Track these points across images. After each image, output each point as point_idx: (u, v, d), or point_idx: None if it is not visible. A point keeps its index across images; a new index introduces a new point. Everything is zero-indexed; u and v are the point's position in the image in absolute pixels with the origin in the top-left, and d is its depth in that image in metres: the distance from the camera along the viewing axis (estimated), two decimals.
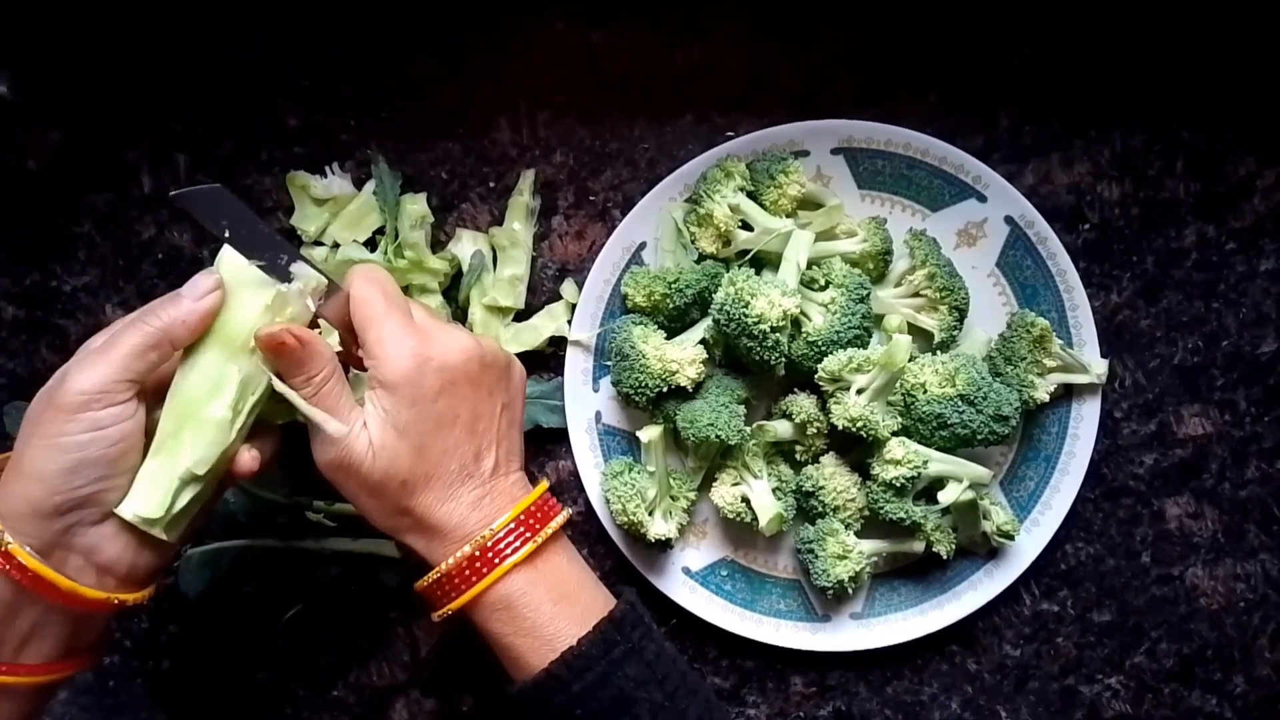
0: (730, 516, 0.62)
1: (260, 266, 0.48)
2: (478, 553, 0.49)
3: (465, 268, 0.65)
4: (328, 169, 0.65)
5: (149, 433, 0.48)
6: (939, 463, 0.60)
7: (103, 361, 0.46)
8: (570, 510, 0.54)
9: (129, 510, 0.47)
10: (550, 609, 0.50)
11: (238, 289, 0.49)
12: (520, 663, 0.50)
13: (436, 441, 0.49)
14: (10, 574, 0.45)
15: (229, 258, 0.49)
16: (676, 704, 0.50)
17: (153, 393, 0.49)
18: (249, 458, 0.50)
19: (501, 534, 0.50)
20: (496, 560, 0.49)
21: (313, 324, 0.51)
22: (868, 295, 0.61)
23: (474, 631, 0.51)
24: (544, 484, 0.53)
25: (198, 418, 0.48)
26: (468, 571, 0.49)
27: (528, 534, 0.50)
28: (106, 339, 0.48)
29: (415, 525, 0.50)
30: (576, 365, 0.65)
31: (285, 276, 0.49)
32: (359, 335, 0.50)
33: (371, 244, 0.65)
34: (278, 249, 0.49)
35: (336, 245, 0.65)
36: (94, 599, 0.47)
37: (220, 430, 0.48)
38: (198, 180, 0.66)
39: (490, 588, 0.49)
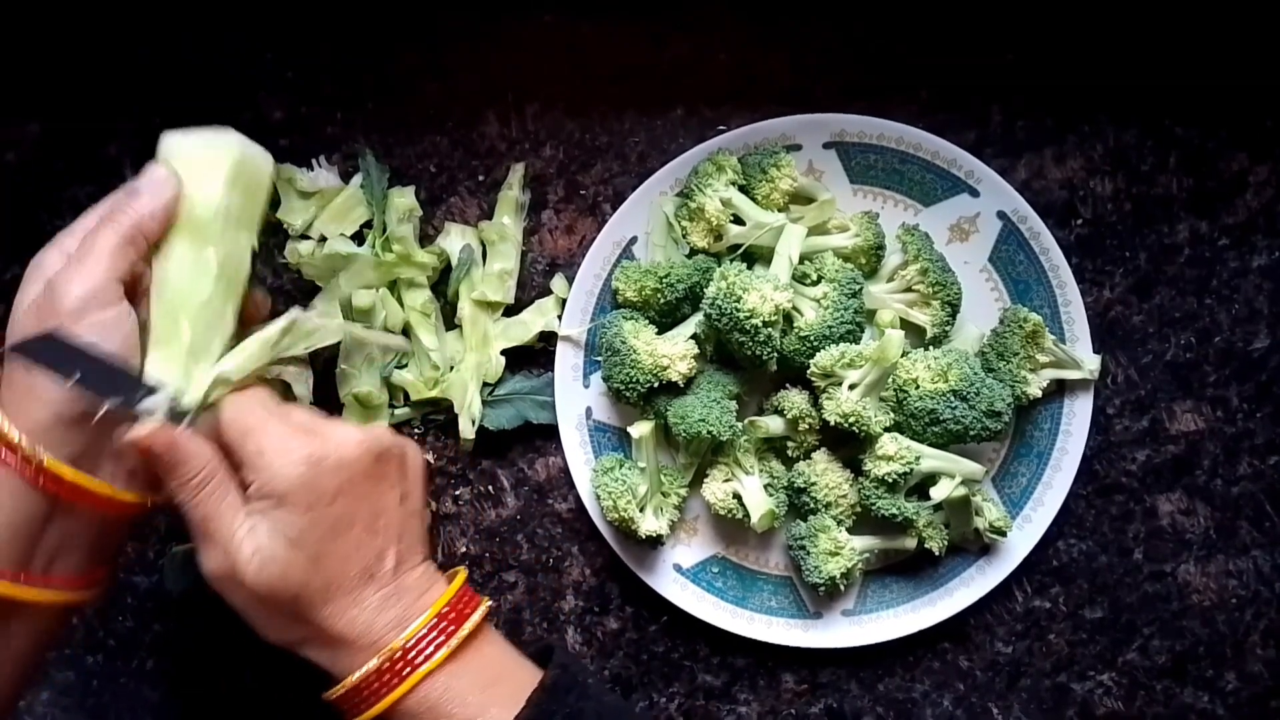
0: (722, 513, 0.62)
1: (115, 405, 0.46)
2: (387, 663, 0.46)
3: (454, 262, 0.64)
4: (314, 162, 0.65)
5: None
6: (931, 459, 0.60)
7: (92, 264, 0.46)
8: (490, 602, 0.50)
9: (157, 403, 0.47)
10: (477, 698, 0.46)
11: (189, 172, 0.48)
12: None
13: (334, 549, 0.46)
14: (46, 488, 0.45)
15: (171, 144, 0.49)
16: None
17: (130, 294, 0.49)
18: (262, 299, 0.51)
19: (414, 640, 0.46)
20: (409, 669, 0.46)
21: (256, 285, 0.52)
22: (860, 290, 0.60)
23: None
24: (461, 574, 0.50)
25: (190, 307, 0.48)
26: (376, 684, 0.46)
27: (445, 635, 0.47)
28: (81, 244, 0.47)
29: (314, 638, 0.47)
30: (567, 361, 0.64)
31: (135, 415, 0.47)
32: (236, 451, 0.47)
33: (359, 238, 0.64)
34: (132, 385, 0.47)
35: (323, 239, 0.64)
36: (129, 502, 0.47)
37: (217, 315, 0.48)
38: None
39: (407, 694, 0.46)
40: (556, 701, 0.47)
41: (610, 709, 0.49)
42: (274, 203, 0.64)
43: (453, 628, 0.47)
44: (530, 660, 0.50)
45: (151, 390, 0.47)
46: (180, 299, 0.48)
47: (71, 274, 0.46)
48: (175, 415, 0.47)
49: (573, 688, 0.48)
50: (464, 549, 0.65)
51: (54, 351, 0.45)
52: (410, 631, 0.46)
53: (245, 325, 0.52)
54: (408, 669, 0.46)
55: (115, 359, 0.46)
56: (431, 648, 0.46)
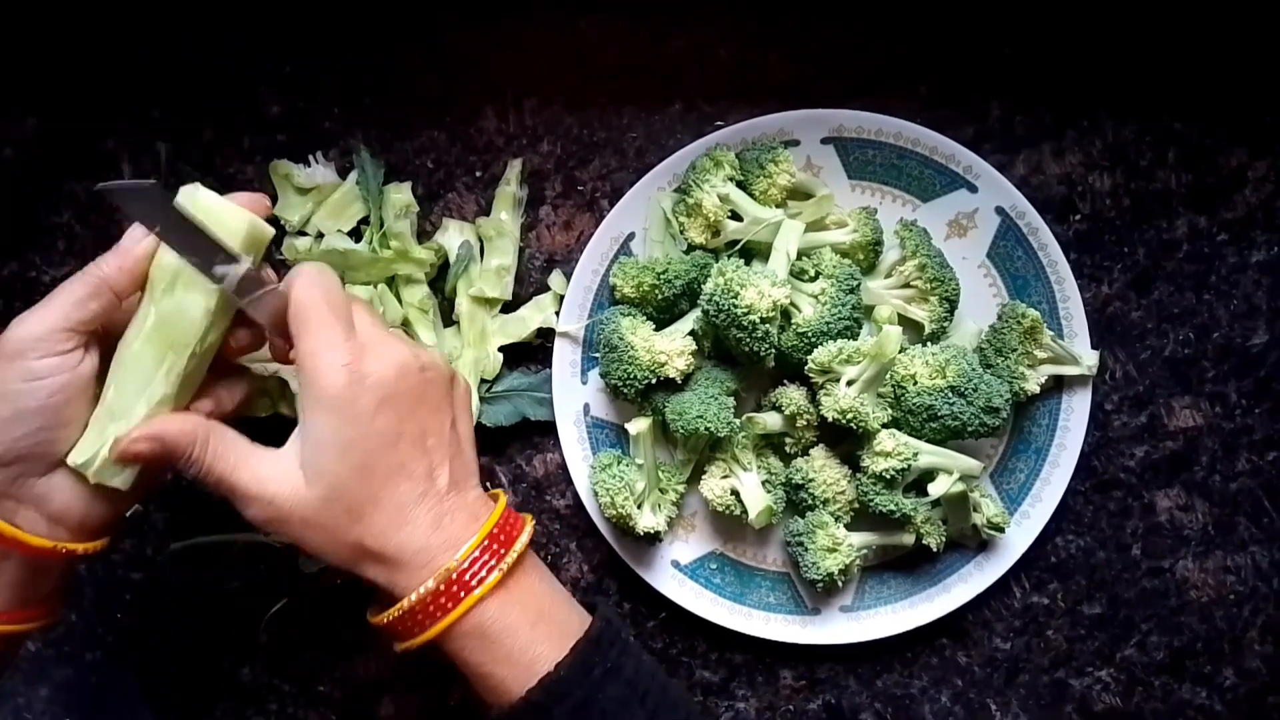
0: (719, 509, 0.61)
1: (193, 264, 0.46)
2: (443, 585, 0.46)
3: (452, 258, 0.64)
4: (311, 157, 0.64)
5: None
6: (929, 455, 0.60)
7: (42, 311, 0.46)
8: (533, 522, 0.51)
9: (72, 459, 0.47)
10: (526, 633, 0.47)
11: (178, 285, 0.47)
12: (498, 690, 0.47)
13: (382, 460, 0.46)
14: None
15: (165, 254, 0.48)
16: None
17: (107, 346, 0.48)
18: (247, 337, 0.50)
19: (468, 562, 0.47)
20: (464, 592, 0.46)
21: (246, 323, 0.49)
22: (858, 286, 0.60)
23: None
24: (503, 497, 0.51)
25: (120, 366, 0.47)
26: (432, 607, 0.46)
27: (496, 557, 0.47)
28: (51, 293, 0.47)
29: (370, 555, 0.47)
30: (565, 357, 0.64)
31: (217, 277, 0.47)
32: (295, 342, 0.47)
33: (357, 234, 0.64)
34: (211, 249, 0.46)
35: (320, 235, 0.64)
36: (39, 547, 0.46)
37: (146, 375, 0.47)
38: (178, 169, 0.65)
39: (462, 617, 0.46)
40: (599, 654, 0.48)
41: (648, 669, 0.50)
42: (271, 199, 0.64)
43: (503, 550, 0.48)
44: (572, 599, 0.51)
45: (233, 259, 0.46)
46: (117, 358, 0.48)
47: (25, 316, 0.46)
48: (244, 288, 0.47)
49: (615, 641, 0.49)
50: (503, 492, 0.65)
51: (146, 201, 0.45)
52: (464, 552, 0.47)
53: (230, 358, 0.51)
54: (462, 591, 0.46)
55: (199, 225, 0.46)
56: (484, 570, 0.47)
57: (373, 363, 0.46)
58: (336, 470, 0.46)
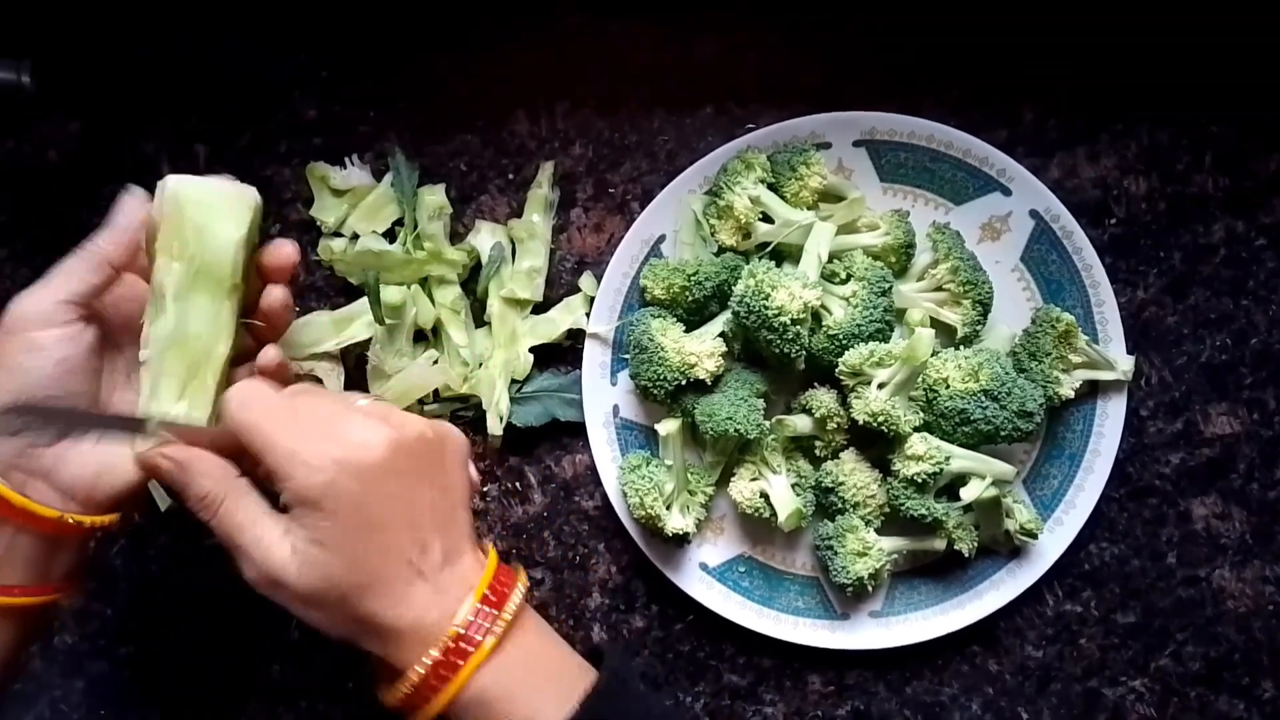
0: (749, 512, 0.61)
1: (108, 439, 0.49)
2: (440, 654, 0.45)
3: (484, 260, 0.65)
4: (346, 160, 0.65)
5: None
6: (961, 459, 0.59)
7: (43, 287, 0.48)
8: (525, 580, 0.49)
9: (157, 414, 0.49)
10: (528, 695, 0.46)
11: (206, 211, 0.49)
12: None
13: (371, 548, 0.45)
14: None
15: (181, 187, 0.49)
16: None
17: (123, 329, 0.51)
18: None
19: (462, 628, 0.45)
20: (461, 659, 0.45)
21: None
22: (890, 289, 0.60)
23: None
24: (493, 552, 0.49)
25: (195, 352, 0.50)
26: (433, 680, 0.45)
27: (490, 620, 0.46)
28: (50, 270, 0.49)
29: (368, 632, 0.46)
30: (594, 358, 0.64)
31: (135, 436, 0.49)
32: (255, 455, 0.46)
33: (390, 235, 0.65)
34: (118, 424, 0.49)
35: (355, 236, 0.65)
36: (48, 518, 0.47)
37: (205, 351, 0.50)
38: (216, 170, 0.66)
39: (463, 688, 0.45)
40: (607, 707, 0.46)
41: (658, 714, 0.49)
42: (307, 202, 0.65)
43: (498, 604, 0.46)
44: (574, 650, 0.50)
45: (139, 424, 0.49)
46: (196, 345, 0.50)
47: (26, 293, 0.47)
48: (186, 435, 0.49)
49: (622, 692, 0.48)
50: (491, 545, 0.65)
51: (28, 420, 0.47)
52: (461, 617, 0.45)
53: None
54: (460, 659, 0.45)
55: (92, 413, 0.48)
56: (479, 634, 0.45)
57: (351, 449, 0.45)
58: (327, 562, 0.44)
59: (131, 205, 0.50)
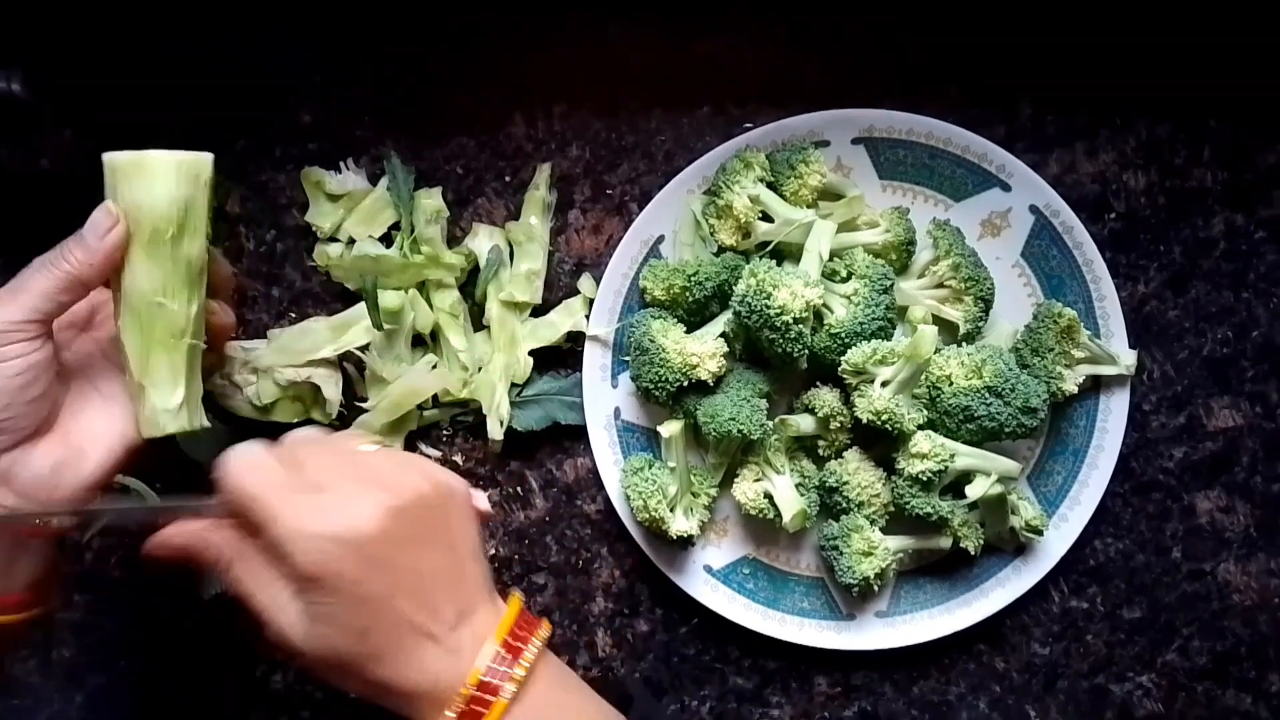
0: (752, 513, 0.61)
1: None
2: (459, 714, 0.43)
3: (482, 263, 0.64)
4: (342, 165, 0.65)
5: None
6: (966, 456, 0.59)
7: (10, 303, 0.48)
8: (547, 630, 0.47)
9: (155, 428, 0.51)
10: None
11: (142, 172, 0.50)
12: None
13: (378, 619, 0.44)
14: None
15: (113, 161, 0.50)
16: None
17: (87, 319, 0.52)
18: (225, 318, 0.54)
19: (480, 679, 0.44)
20: (483, 709, 0.43)
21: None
22: (891, 286, 0.60)
23: None
24: (517, 598, 0.48)
25: (161, 318, 0.51)
26: None
27: (510, 662, 0.45)
28: (16, 279, 0.49)
29: (385, 693, 0.45)
30: (595, 361, 0.64)
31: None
32: (259, 534, 0.45)
33: (387, 240, 0.64)
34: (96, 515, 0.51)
35: (352, 241, 0.64)
36: None
37: (179, 318, 0.51)
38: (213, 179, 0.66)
39: None
40: None
41: None
42: (302, 207, 0.65)
43: (512, 660, 0.45)
44: (602, 698, 0.49)
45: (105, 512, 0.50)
46: (150, 315, 0.51)
47: None
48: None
49: None
50: (493, 551, 0.65)
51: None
52: (481, 663, 0.44)
53: (213, 296, 0.54)
54: (482, 708, 0.44)
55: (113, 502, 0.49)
56: (498, 680, 0.44)
57: (349, 523, 0.43)
58: (332, 635, 0.44)
59: (104, 222, 0.49)
